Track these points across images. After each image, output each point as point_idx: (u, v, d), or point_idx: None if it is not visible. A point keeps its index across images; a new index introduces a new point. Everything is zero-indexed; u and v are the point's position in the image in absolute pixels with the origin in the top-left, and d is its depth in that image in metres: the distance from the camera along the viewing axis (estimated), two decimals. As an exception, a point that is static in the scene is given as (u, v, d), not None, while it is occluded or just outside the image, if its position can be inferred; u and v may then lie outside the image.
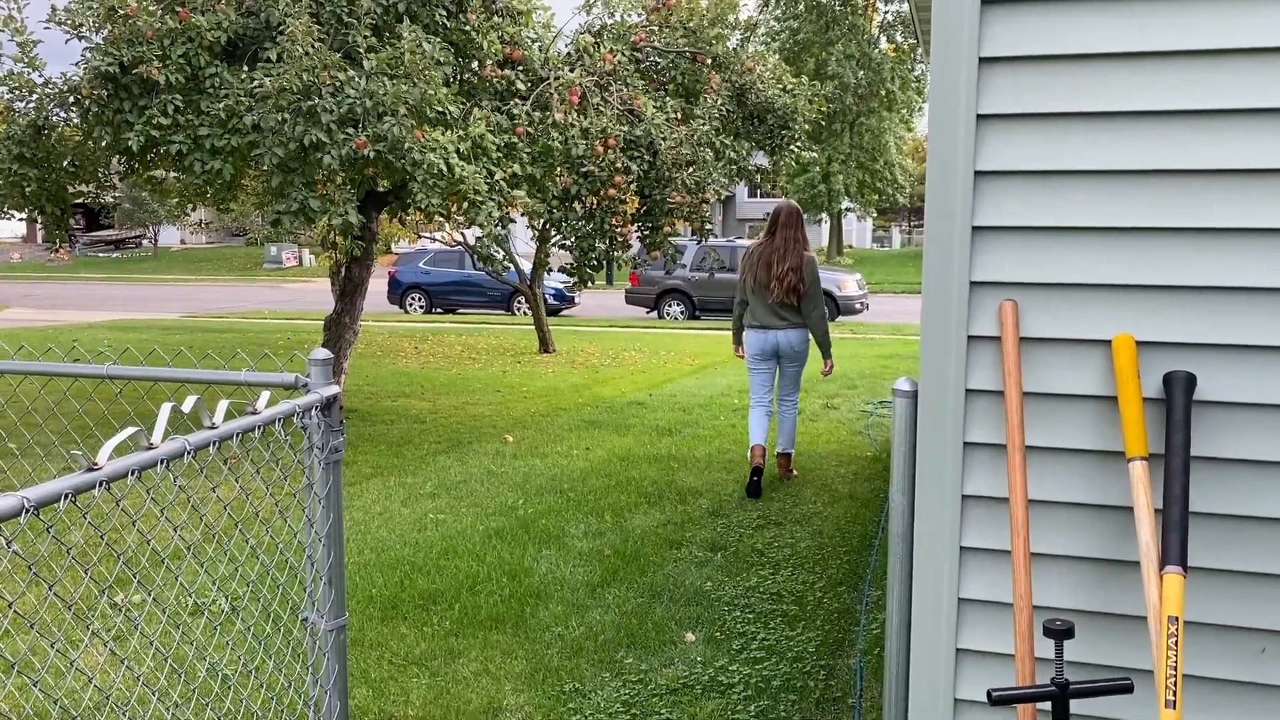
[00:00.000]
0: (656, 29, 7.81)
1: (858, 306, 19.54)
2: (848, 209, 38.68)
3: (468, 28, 6.72)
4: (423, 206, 6.61)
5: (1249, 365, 2.07)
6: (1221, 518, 2.12)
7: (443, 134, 6.16)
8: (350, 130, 6.01)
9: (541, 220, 7.14)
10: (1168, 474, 2.00)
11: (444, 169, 6.04)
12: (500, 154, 6.62)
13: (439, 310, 22.18)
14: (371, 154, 5.94)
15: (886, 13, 36.34)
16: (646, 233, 7.48)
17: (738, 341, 6.49)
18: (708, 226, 7.70)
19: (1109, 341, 2.13)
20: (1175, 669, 1.84)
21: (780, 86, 7.89)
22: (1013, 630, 2.19)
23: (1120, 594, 2.18)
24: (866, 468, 6.83)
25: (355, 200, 6.32)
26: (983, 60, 2.12)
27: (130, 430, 1.69)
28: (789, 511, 5.75)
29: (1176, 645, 1.86)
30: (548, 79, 7.10)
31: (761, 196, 46.78)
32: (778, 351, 6.16)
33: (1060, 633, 1.97)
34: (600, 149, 6.74)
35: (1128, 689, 1.95)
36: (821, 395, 9.83)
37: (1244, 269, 2.04)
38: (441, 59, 6.26)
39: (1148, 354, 2.12)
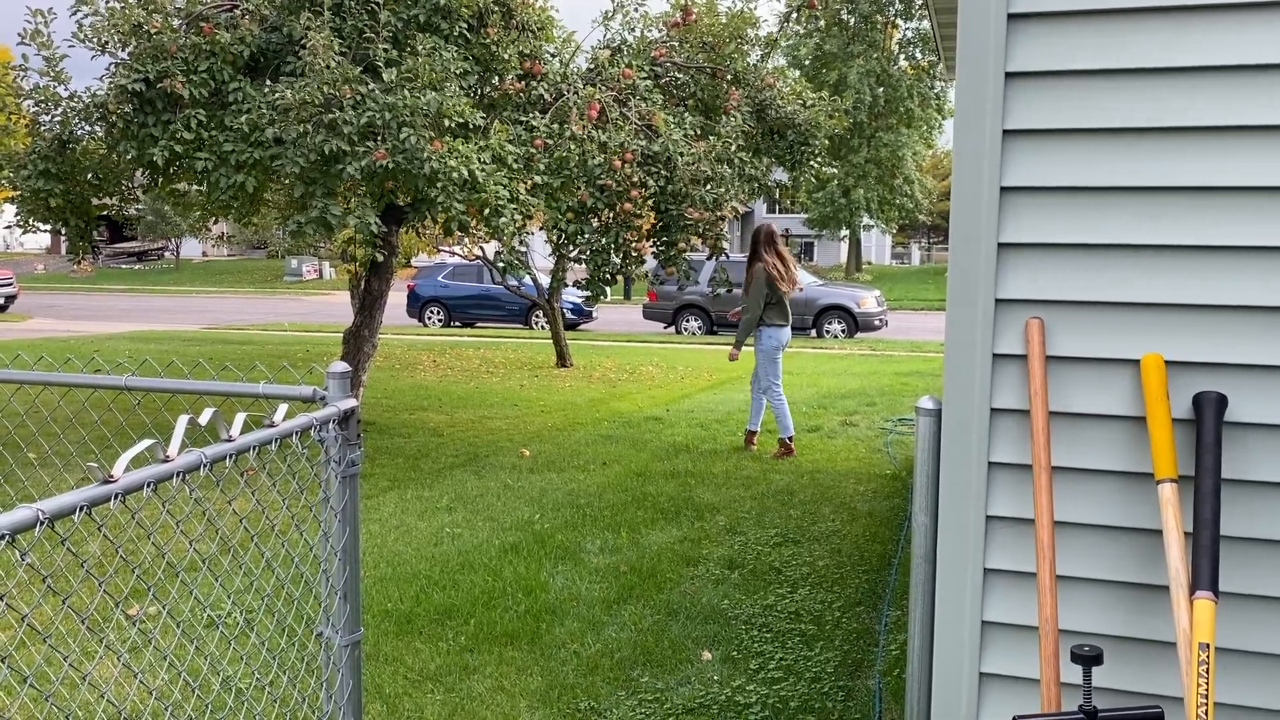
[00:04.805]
0: (676, 45, 7.81)
1: (876, 323, 19.46)
2: (868, 225, 38.63)
3: (488, 42, 6.75)
4: (440, 220, 6.62)
5: (1282, 386, 2.03)
6: (1254, 542, 2.07)
7: (463, 144, 6.18)
8: (370, 143, 6.04)
9: (557, 235, 7.12)
10: (1198, 497, 1.96)
11: (465, 175, 6.06)
12: (519, 165, 6.64)
13: (457, 324, 22.24)
14: (390, 164, 5.96)
15: (906, 29, 36.39)
16: (662, 248, 7.47)
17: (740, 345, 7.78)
18: (722, 243, 7.69)
19: (1138, 361, 2.10)
20: (1206, 697, 1.80)
21: (800, 102, 7.88)
22: (1038, 655, 2.15)
23: (1149, 619, 2.14)
24: (885, 486, 6.77)
25: (375, 209, 6.34)
26: (1009, 75, 2.10)
27: (147, 442, 1.68)
28: (807, 529, 5.70)
29: (1208, 672, 1.81)
30: (566, 94, 7.12)
31: (780, 212, 46.78)
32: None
33: (1088, 658, 1.93)
34: (617, 163, 6.74)
35: (1158, 717, 1.90)
36: (840, 412, 9.78)
37: (1277, 288, 2.00)
38: (457, 70, 6.28)
39: (1177, 374, 2.08)
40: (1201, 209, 2.04)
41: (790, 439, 7.68)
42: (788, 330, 7.68)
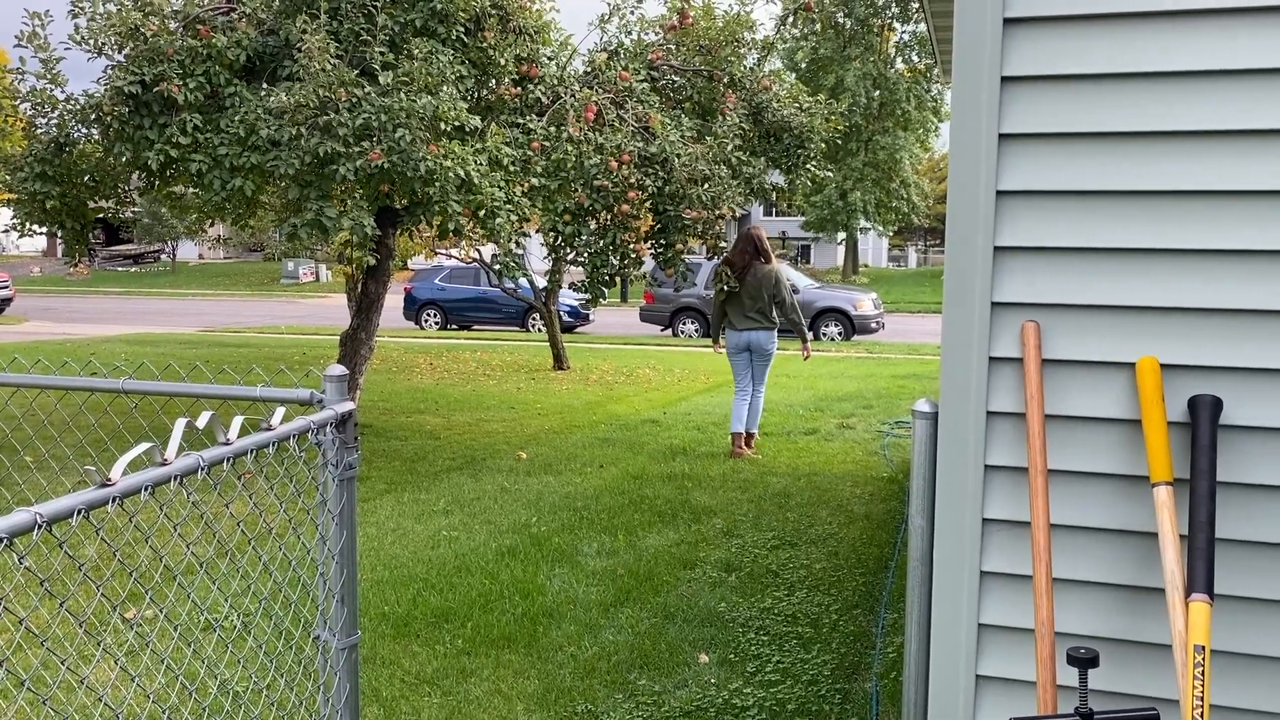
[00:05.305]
0: (673, 48, 7.82)
1: (873, 326, 19.48)
2: (865, 228, 38.66)
3: (485, 45, 6.76)
4: (436, 222, 6.62)
5: (1277, 389, 2.03)
6: (1248, 544, 2.08)
7: (459, 146, 6.18)
8: (365, 144, 6.04)
9: (554, 237, 7.13)
10: (1193, 499, 1.97)
11: (462, 177, 6.07)
12: (516, 168, 6.64)
13: (454, 327, 22.23)
14: (385, 165, 5.96)
15: (903, 33, 36.46)
16: (660, 249, 7.48)
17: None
18: (721, 244, 7.69)
19: (1133, 364, 2.10)
20: (1202, 699, 1.80)
21: (796, 105, 7.89)
22: (1034, 657, 2.15)
23: (1145, 622, 2.14)
24: (882, 489, 6.78)
25: (370, 211, 6.34)
26: (1005, 79, 2.11)
27: (144, 446, 1.68)
28: (804, 532, 5.70)
29: (1203, 675, 1.82)
30: (563, 97, 7.13)
31: (777, 215, 46.79)
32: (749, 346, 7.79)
33: (1084, 660, 1.93)
34: (614, 165, 6.75)
35: (1153, 719, 1.91)
36: (837, 415, 9.79)
37: (1272, 291, 2.01)
38: (454, 74, 6.28)
39: (1173, 377, 2.08)
40: (1196, 212, 2.04)
41: (736, 435, 7.77)
42: (742, 334, 7.70)
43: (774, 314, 7.73)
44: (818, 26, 34.98)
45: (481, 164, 6.32)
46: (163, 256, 47.45)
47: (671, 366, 14.19)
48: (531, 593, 4.66)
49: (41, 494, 5.73)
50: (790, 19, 8.41)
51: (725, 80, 7.65)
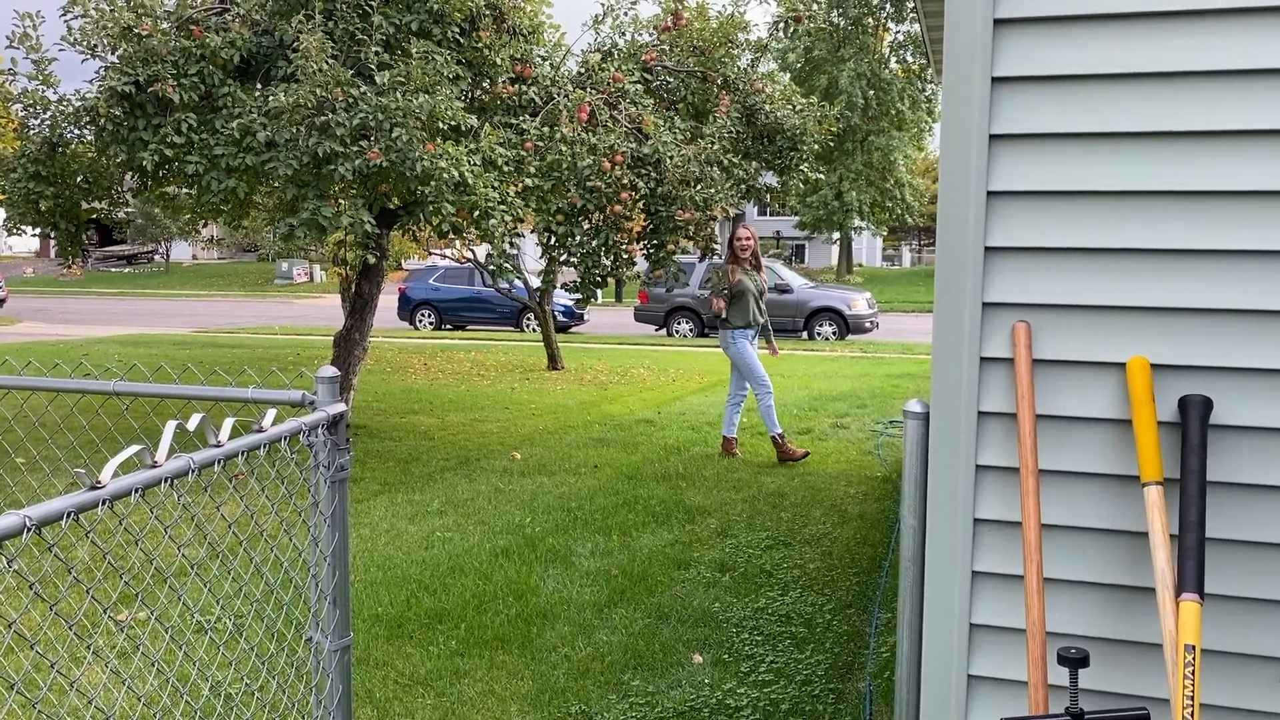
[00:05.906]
0: (667, 49, 7.83)
1: (867, 325, 19.51)
2: (859, 228, 38.70)
3: (480, 45, 6.76)
4: (434, 221, 6.63)
5: (1266, 389, 2.04)
6: (1239, 544, 2.08)
7: (453, 146, 6.18)
8: (363, 143, 6.04)
9: (548, 237, 7.14)
10: (1183, 499, 1.97)
11: (456, 177, 6.08)
12: (510, 168, 6.64)
13: (448, 327, 22.22)
14: (384, 164, 5.96)
15: (897, 33, 36.48)
16: (652, 250, 7.49)
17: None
18: (713, 245, 7.70)
19: (1123, 364, 2.11)
20: (1192, 698, 1.81)
21: (790, 107, 7.90)
22: (1026, 657, 2.16)
23: (1135, 621, 2.15)
24: (876, 488, 6.78)
25: (369, 209, 6.34)
26: (995, 80, 2.11)
27: (135, 448, 1.68)
28: (798, 532, 5.71)
29: (1193, 674, 1.82)
30: (557, 97, 7.13)
31: (771, 215, 46.84)
32: None
33: (1075, 660, 1.94)
34: (607, 165, 6.76)
35: (1144, 718, 1.91)
36: (831, 415, 9.80)
37: (1261, 291, 2.02)
38: (450, 74, 6.29)
39: (1163, 377, 2.09)
40: (1187, 213, 2.05)
41: (727, 439, 7.87)
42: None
43: (725, 311, 7.66)
44: (812, 26, 34.97)
45: (475, 164, 6.32)
46: (156, 257, 47.37)
47: (666, 366, 14.19)
48: (525, 593, 4.66)
49: (33, 496, 5.72)
50: (783, 24, 8.42)
51: (719, 81, 7.65)
